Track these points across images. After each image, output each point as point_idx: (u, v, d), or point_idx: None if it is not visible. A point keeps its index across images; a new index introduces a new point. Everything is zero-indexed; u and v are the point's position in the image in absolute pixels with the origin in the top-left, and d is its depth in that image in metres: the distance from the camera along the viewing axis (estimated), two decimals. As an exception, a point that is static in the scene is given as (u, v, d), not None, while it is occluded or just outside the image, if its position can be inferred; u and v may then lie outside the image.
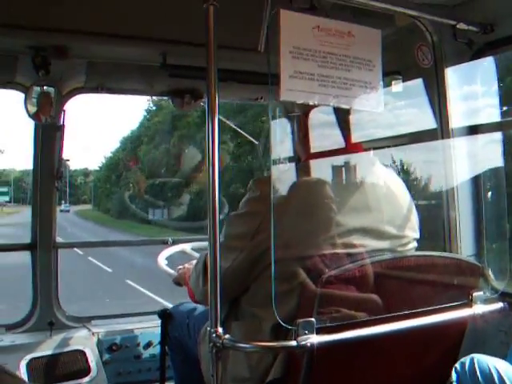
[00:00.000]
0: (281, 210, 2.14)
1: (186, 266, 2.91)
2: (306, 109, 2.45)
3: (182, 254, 3.44)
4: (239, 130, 4.54)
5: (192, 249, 3.43)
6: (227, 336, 1.85)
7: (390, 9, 2.44)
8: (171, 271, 3.10)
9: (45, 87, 3.27)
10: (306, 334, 1.85)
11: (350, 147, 2.46)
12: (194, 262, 2.74)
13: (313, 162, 2.45)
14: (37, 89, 3.25)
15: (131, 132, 51.63)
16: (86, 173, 66.20)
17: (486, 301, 2.31)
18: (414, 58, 2.95)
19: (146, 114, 47.75)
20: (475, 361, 2.23)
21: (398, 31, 2.86)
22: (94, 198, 60.00)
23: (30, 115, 3.25)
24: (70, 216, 50.04)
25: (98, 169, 60.32)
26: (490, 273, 2.96)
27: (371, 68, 2.07)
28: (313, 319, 1.87)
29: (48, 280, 3.63)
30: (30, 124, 3.45)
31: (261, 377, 2.19)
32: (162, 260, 3.22)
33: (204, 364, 2.44)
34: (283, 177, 2.55)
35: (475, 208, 3.04)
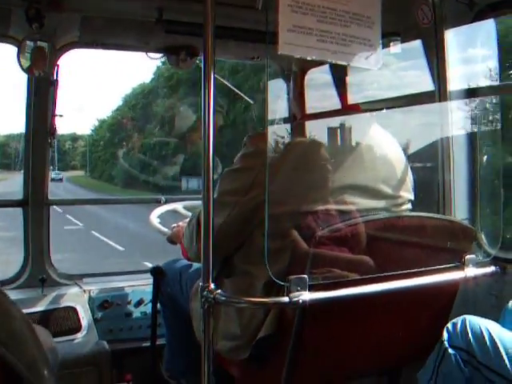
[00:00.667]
0: (275, 166, 2.13)
1: (181, 224, 2.91)
2: (304, 66, 2.43)
3: (174, 213, 3.43)
4: (235, 89, 4.50)
5: (184, 207, 3.43)
6: (219, 291, 1.85)
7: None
8: (164, 229, 3.09)
9: (38, 42, 3.22)
10: (298, 290, 1.85)
11: (347, 107, 2.44)
12: (182, 223, 2.74)
13: (308, 122, 2.43)
14: (30, 43, 3.20)
15: (139, 86, 46.36)
16: (74, 137, 61.23)
17: (478, 264, 2.32)
18: (414, 18, 2.92)
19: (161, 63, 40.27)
20: (467, 321, 2.25)
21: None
22: (89, 164, 55.64)
23: (23, 69, 3.19)
24: (66, 185, 42.88)
25: (90, 132, 56.06)
26: (483, 237, 2.97)
27: (370, 25, 2.04)
28: (305, 276, 1.88)
29: (39, 237, 3.61)
30: (22, 81, 3.42)
31: (252, 334, 2.20)
32: (154, 218, 3.22)
33: (195, 320, 2.45)
34: (278, 134, 2.53)
35: (470, 171, 3.03)
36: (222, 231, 2.21)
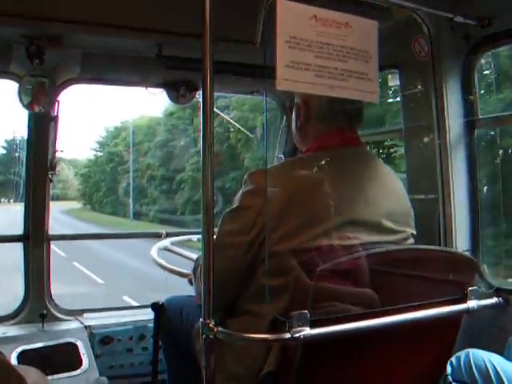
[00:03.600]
0: (276, 203, 2.12)
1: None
2: (306, 97, 2.43)
3: (167, 251, 3.42)
4: (234, 124, 4.52)
5: (172, 243, 3.41)
6: (220, 328, 1.83)
7: (387, 0, 2.43)
8: (166, 264, 3.08)
9: (39, 78, 3.25)
10: (299, 326, 1.83)
11: (349, 140, 2.44)
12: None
13: (311, 155, 2.43)
14: (31, 79, 3.23)
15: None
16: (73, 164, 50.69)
17: (481, 296, 2.30)
18: (411, 51, 2.95)
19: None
20: (471, 355, 2.23)
21: (395, 24, 2.86)
22: (86, 194, 45.97)
23: (23, 105, 3.22)
24: (67, 220, 34.86)
25: (87, 160, 47.38)
26: (485, 268, 2.96)
27: (368, 59, 2.05)
28: (306, 312, 1.86)
29: (40, 272, 3.60)
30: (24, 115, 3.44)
31: (256, 372, 2.17)
32: (154, 253, 3.20)
33: (200, 358, 2.42)
34: (280, 170, 2.52)
35: (471, 203, 3.03)
36: (230, 274, 2.20)
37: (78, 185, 48.83)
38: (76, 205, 47.21)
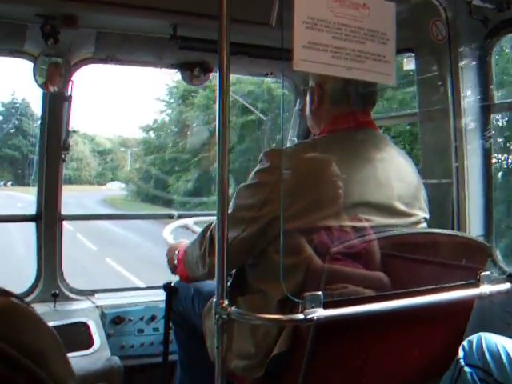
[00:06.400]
0: (289, 182, 2.13)
1: (180, 244, 2.83)
2: (320, 80, 2.43)
3: (186, 229, 3.42)
4: (248, 106, 4.52)
5: (195, 223, 3.42)
6: (233, 308, 1.84)
7: (405, -17, 2.41)
8: None
9: (53, 57, 3.25)
10: (312, 307, 1.83)
11: (362, 123, 2.44)
12: (186, 241, 2.71)
13: (324, 137, 2.43)
14: (45, 59, 3.23)
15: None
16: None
17: (494, 281, 2.29)
18: (428, 35, 2.92)
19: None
20: (483, 339, 2.23)
21: (412, 7, 2.84)
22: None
23: (38, 84, 3.23)
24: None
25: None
26: (498, 253, 2.95)
27: (385, 41, 2.03)
28: (320, 293, 1.86)
29: (52, 252, 3.62)
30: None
31: (266, 352, 2.19)
32: (167, 235, 3.21)
33: (209, 338, 2.43)
34: (294, 150, 2.52)
35: (485, 187, 3.02)
36: (236, 246, 2.21)
37: (98, 165, 37.36)
38: (108, 191, 35.37)
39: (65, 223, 3.71)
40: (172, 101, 29.21)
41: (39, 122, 3.59)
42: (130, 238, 18.26)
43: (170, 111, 30.25)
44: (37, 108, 3.67)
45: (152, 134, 32.09)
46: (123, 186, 35.42)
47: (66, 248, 3.75)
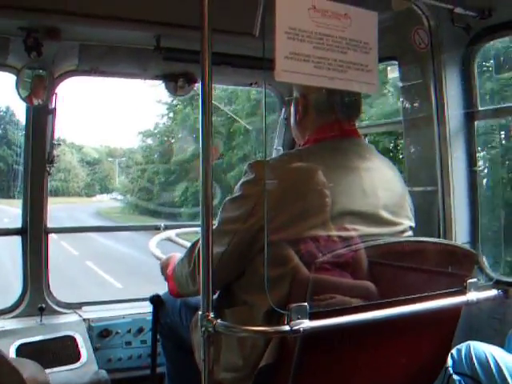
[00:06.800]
0: (274, 193, 2.12)
1: (173, 257, 2.83)
2: (304, 91, 2.43)
3: (169, 241, 3.41)
4: (233, 116, 4.51)
5: (177, 235, 3.41)
6: (219, 321, 1.83)
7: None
8: (163, 256, 3.07)
9: (36, 70, 3.23)
10: (298, 318, 1.82)
11: (347, 132, 2.43)
12: (178, 254, 2.70)
13: (309, 147, 2.43)
14: (29, 71, 3.21)
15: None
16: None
17: (481, 288, 2.29)
18: (411, 43, 2.93)
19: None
20: (471, 347, 2.23)
21: (394, 15, 2.84)
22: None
23: (22, 98, 3.21)
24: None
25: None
26: (485, 260, 2.96)
27: (367, 50, 2.04)
28: (305, 304, 1.85)
29: (38, 265, 3.60)
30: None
31: (254, 364, 2.18)
32: (153, 248, 3.19)
33: (197, 351, 2.42)
34: (278, 161, 2.52)
35: (470, 195, 3.03)
36: (222, 260, 2.20)
37: (86, 176, 35.91)
38: (100, 203, 33.77)
39: (64, 243, 3.68)
40: (175, 102, 26.79)
41: (24, 134, 3.56)
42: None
43: (172, 114, 28.23)
44: (22, 117, 3.62)
45: (150, 141, 30.25)
46: (118, 197, 33.51)
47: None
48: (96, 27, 3.00)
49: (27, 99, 3.24)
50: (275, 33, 1.81)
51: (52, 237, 3.72)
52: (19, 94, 3.21)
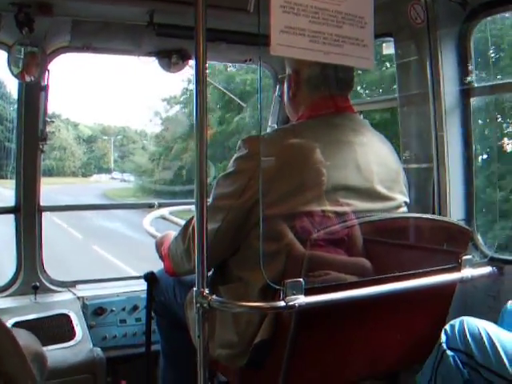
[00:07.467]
0: (268, 168, 2.11)
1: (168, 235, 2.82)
2: (297, 67, 2.41)
3: (162, 219, 3.41)
4: (227, 93, 4.49)
5: (170, 213, 3.40)
6: (214, 297, 1.83)
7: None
8: (157, 234, 3.06)
9: (29, 47, 3.19)
10: (293, 294, 1.82)
11: (342, 108, 2.42)
12: (173, 232, 2.69)
13: (303, 122, 2.41)
14: (20, 48, 3.18)
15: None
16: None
17: (475, 265, 2.30)
18: (406, 19, 2.91)
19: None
20: (465, 323, 2.23)
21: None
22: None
23: (14, 74, 3.18)
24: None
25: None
26: (480, 237, 2.96)
27: (363, 25, 2.01)
28: (301, 280, 1.85)
29: (32, 244, 3.58)
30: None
31: (249, 340, 2.18)
32: (147, 224, 3.18)
33: (192, 328, 2.42)
34: (273, 136, 2.50)
35: (465, 172, 3.03)
36: (217, 236, 2.20)
37: (83, 155, 34.07)
38: (100, 184, 30.80)
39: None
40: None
41: (16, 109, 3.53)
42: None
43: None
44: (14, 89, 3.57)
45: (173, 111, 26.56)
46: (130, 178, 30.46)
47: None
48: (88, 2, 2.96)
49: (19, 76, 3.20)
50: (270, 6, 1.79)
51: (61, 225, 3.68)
52: (11, 70, 3.16)
